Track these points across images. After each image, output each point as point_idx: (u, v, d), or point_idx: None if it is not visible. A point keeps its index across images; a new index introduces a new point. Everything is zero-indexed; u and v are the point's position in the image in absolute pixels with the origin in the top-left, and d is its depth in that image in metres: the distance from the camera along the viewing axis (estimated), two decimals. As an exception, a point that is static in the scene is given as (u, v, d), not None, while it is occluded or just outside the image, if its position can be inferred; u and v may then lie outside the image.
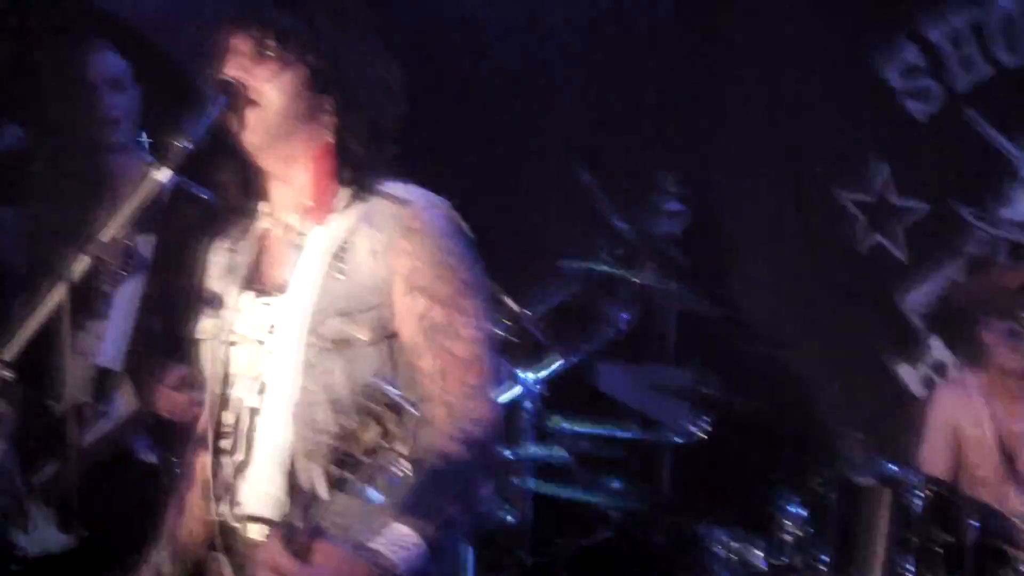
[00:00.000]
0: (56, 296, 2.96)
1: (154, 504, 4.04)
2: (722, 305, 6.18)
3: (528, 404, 5.47)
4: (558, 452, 5.57)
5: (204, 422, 3.25)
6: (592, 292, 5.93)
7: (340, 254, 3.01)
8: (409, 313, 2.97)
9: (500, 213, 6.97)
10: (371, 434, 2.49)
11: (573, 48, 7.05)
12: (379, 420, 2.48)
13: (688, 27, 6.90)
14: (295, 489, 2.82)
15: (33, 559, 4.30)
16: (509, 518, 5.34)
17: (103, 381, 4.36)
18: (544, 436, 5.67)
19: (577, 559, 5.72)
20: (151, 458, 4.44)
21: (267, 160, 3.09)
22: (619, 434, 6.02)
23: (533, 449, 5.47)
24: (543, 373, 5.53)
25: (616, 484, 5.63)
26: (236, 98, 3.00)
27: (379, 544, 2.74)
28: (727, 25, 6.86)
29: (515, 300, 5.50)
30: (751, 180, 6.85)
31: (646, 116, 6.99)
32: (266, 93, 3.00)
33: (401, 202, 3.03)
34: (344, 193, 3.07)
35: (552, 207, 6.94)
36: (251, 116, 3.01)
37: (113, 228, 2.97)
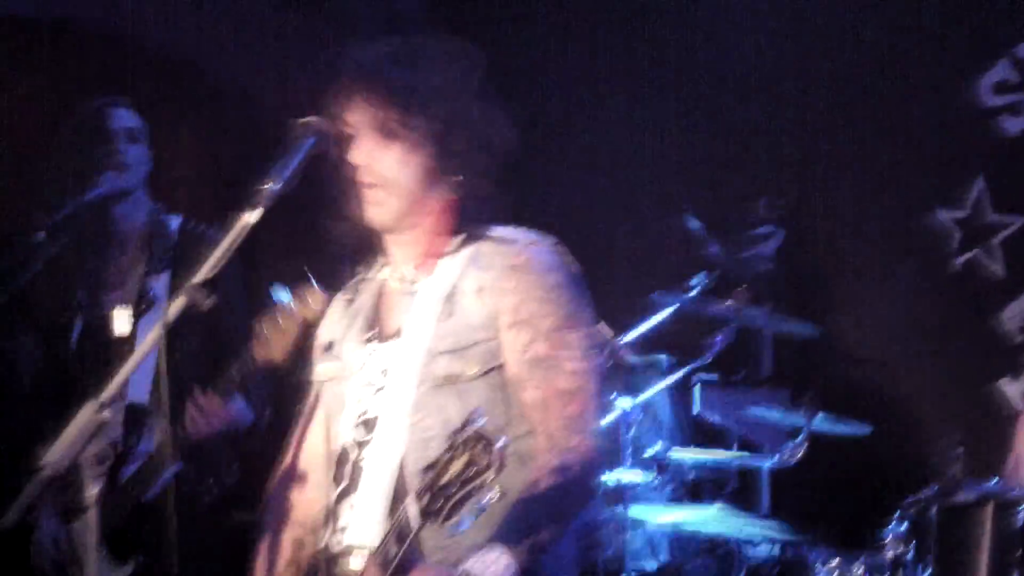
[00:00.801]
0: (154, 336, 3.01)
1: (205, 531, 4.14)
2: (817, 326, 6.14)
3: (625, 430, 5.48)
4: (657, 477, 5.57)
5: (299, 460, 3.37)
6: (687, 317, 5.92)
7: (450, 297, 3.11)
8: (513, 347, 3.05)
9: (596, 241, 7.02)
10: (459, 465, 2.54)
11: (666, 74, 7.09)
12: (468, 451, 2.53)
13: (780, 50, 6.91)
14: (392, 518, 2.87)
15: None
16: (609, 549, 5.34)
17: (133, 418, 4.45)
18: (642, 462, 5.66)
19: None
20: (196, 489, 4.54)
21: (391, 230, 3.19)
22: (720, 460, 6.01)
23: (631, 475, 5.47)
24: (640, 399, 5.55)
25: (716, 507, 5.59)
26: (324, 143, 3.08)
27: (471, 565, 2.78)
28: (820, 46, 6.86)
29: (611, 327, 5.52)
30: (845, 200, 6.82)
31: (739, 140, 6.99)
32: (392, 177, 3.10)
33: (506, 242, 3.14)
34: (455, 240, 3.17)
35: (646, 233, 6.97)
36: (375, 198, 3.11)
37: (205, 270, 3.02)
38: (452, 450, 2.57)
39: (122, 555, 4.33)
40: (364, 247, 3.29)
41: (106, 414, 2.92)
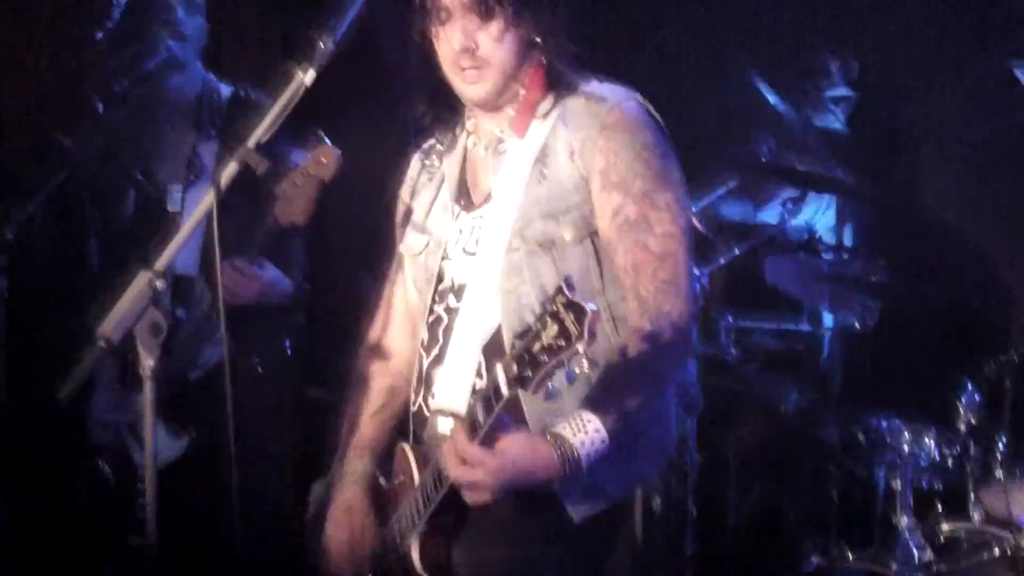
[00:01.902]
0: (207, 202, 2.97)
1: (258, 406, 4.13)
2: (890, 191, 6.02)
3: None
4: (728, 348, 5.50)
5: (383, 327, 3.41)
6: (757, 181, 5.82)
7: (541, 159, 3.06)
8: (605, 209, 3.00)
9: (664, 104, 6.90)
10: (551, 333, 2.49)
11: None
12: (559, 320, 2.48)
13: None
14: (482, 384, 2.87)
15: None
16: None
17: (181, 289, 4.43)
18: (712, 332, 5.60)
19: (746, 453, 5.65)
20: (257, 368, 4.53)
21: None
22: (788, 327, 5.94)
23: (704, 345, 5.40)
24: (709, 267, 5.46)
25: (787, 378, 5.53)
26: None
27: (561, 428, 2.77)
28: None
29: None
30: (919, 60, 6.64)
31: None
32: (492, 56, 3.04)
33: (596, 99, 3.07)
34: (545, 103, 3.11)
35: (716, 94, 6.83)
36: (476, 78, 3.06)
37: (260, 132, 2.96)
38: (543, 318, 2.51)
39: (178, 429, 4.33)
40: (446, 117, 3.26)
41: (159, 283, 2.91)
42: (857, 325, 5.63)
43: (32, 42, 6.22)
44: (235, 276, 4.12)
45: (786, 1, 6.81)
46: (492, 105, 3.14)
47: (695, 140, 6.54)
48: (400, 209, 3.38)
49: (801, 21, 6.80)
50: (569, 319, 2.47)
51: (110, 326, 2.92)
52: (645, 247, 2.95)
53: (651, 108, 3.11)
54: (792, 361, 6.07)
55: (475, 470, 2.74)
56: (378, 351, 3.39)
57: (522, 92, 3.11)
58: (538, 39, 3.07)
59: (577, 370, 2.51)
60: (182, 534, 3.37)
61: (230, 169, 2.96)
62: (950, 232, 6.51)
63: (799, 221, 5.84)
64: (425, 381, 3.15)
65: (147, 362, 2.99)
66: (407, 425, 3.25)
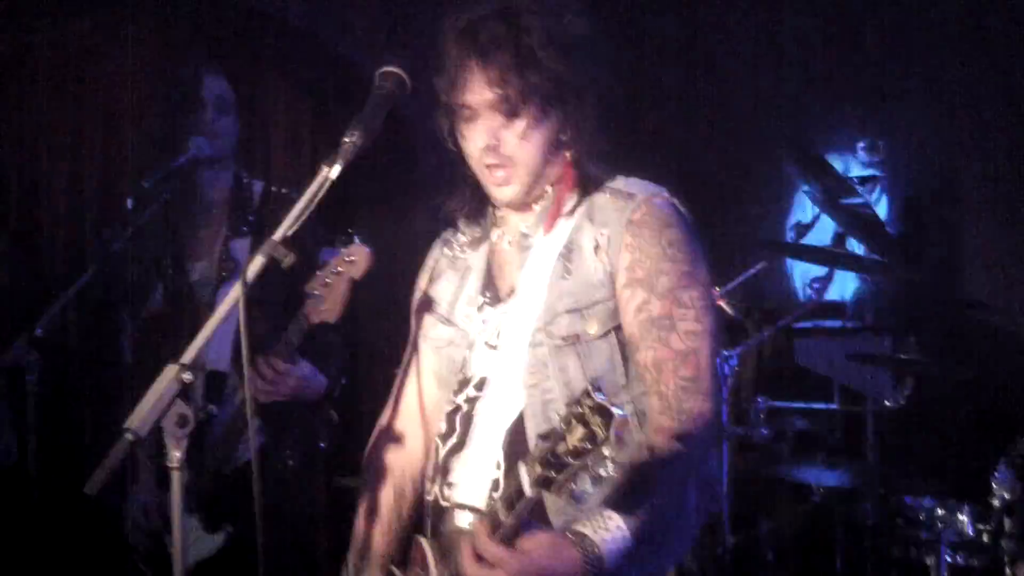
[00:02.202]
0: (234, 296, 2.99)
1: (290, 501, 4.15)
2: (920, 270, 6.02)
3: (725, 382, 5.40)
4: (759, 430, 5.49)
5: (398, 418, 3.38)
6: (782, 264, 5.85)
7: (567, 254, 3.06)
8: (628, 305, 2.98)
9: (693, 192, 6.94)
10: (577, 436, 2.48)
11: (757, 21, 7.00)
12: (585, 423, 2.47)
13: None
14: (506, 483, 2.84)
15: (191, 569, 4.35)
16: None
17: (214, 385, 4.47)
18: (743, 414, 5.60)
19: (781, 537, 5.63)
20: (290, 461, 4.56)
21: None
22: (820, 407, 5.93)
23: (734, 428, 5.40)
24: (738, 349, 5.47)
25: (820, 458, 5.50)
26: (402, 89, 3.01)
27: (585, 528, 2.74)
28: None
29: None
30: (947, 139, 6.67)
31: (842, 80, 6.87)
32: (519, 154, 3.05)
33: (623, 196, 3.06)
34: (571, 200, 3.11)
35: (743, 179, 6.88)
36: (502, 178, 3.07)
37: (286, 226, 2.98)
38: (569, 420, 2.48)
39: (214, 525, 4.36)
40: (476, 212, 3.27)
41: (187, 376, 2.91)
42: (888, 403, 5.61)
43: (75, 143, 6.36)
44: (268, 373, 4.13)
45: (813, 87, 6.87)
46: (521, 204, 3.14)
47: (725, 225, 6.73)
48: (417, 296, 3.39)
49: (830, 104, 6.86)
50: (596, 422, 2.43)
51: (137, 419, 2.92)
52: (667, 344, 2.93)
53: (679, 203, 3.08)
54: (824, 441, 6.06)
55: (495, 571, 2.69)
56: (387, 442, 3.37)
57: (550, 190, 3.12)
58: (565, 138, 3.07)
59: (603, 473, 2.48)
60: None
61: (256, 263, 2.97)
62: (978, 309, 6.50)
63: (828, 298, 5.82)
64: (442, 471, 3.13)
65: (174, 454, 2.99)
66: (423, 515, 3.23)
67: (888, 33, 6.79)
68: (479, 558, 2.71)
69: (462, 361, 3.19)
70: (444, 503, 3.12)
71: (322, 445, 4.77)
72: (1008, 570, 4.83)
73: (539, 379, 3.00)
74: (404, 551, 3.26)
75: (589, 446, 2.45)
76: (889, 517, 5.36)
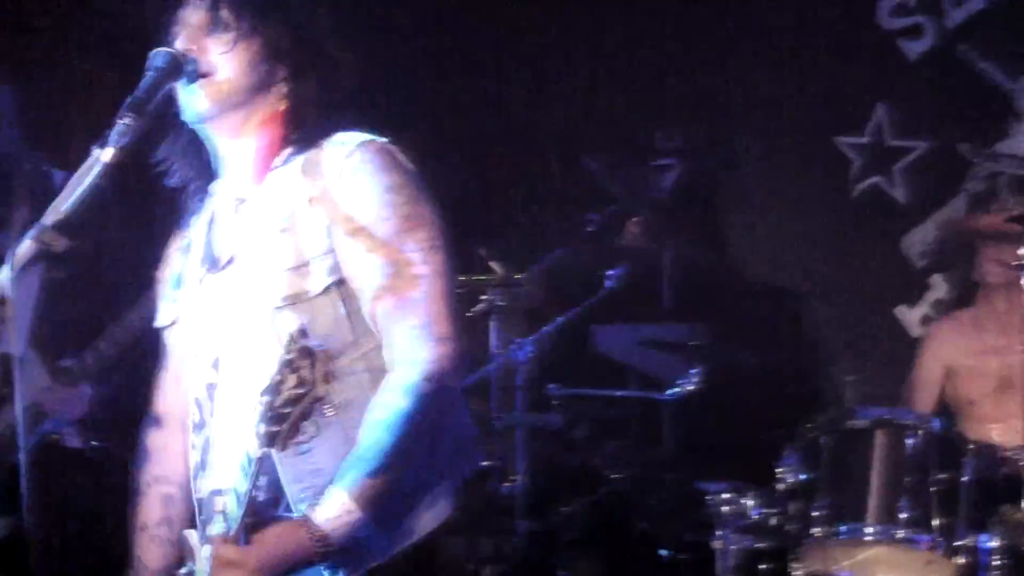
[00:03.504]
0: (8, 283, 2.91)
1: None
2: (716, 258, 6.12)
3: (521, 369, 5.42)
4: (553, 417, 5.51)
5: (158, 411, 3.28)
6: (584, 252, 5.88)
7: (282, 210, 2.96)
8: (353, 256, 2.89)
9: (493, 177, 6.98)
10: (290, 384, 2.47)
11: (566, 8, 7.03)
12: (295, 369, 2.46)
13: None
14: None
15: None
16: (506, 488, 5.32)
17: (5, 369, 4.37)
18: (540, 401, 5.61)
19: (576, 523, 5.66)
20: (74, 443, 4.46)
21: (217, 132, 3.03)
22: (617, 394, 5.98)
23: (528, 415, 5.41)
24: (535, 337, 5.48)
25: (615, 445, 5.55)
26: (176, 69, 2.92)
27: (312, 509, 2.72)
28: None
29: (506, 264, 5.47)
30: (744, 129, 6.79)
31: (639, 71, 6.93)
32: (219, 66, 2.95)
33: (336, 145, 2.96)
34: (284, 152, 3.02)
35: (543, 170, 6.92)
36: (203, 87, 2.95)
37: (56, 211, 2.90)
38: (282, 370, 2.49)
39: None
40: (197, 179, 3.13)
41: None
42: (680, 390, 5.68)
43: None
44: (50, 403, 4.08)
45: (613, 78, 6.93)
46: (224, 131, 3.01)
47: (526, 214, 6.77)
48: (158, 290, 3.26)
49: (630, 97, 6.92)
50: (304, 365, 2.45)
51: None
52: (396, 292, 2.86)
53: (396, 152, 2.99)
54: (621, 428, 6.11)
55: (234, 570, 2.68)
56: (151, 452, 3.27)
57: (257, 134, 3.02)
58: (280, 73, 3.00)
59: (324, 417, 2.53)
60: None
61: (25, 247, 2.90)
62: (769, 298, 6.63)
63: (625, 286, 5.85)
64: (202, 465, 3.05)
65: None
66: (194, 510, 3.13)
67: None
68: (223, 564, 2.70)
69: (193, 339, 3.09)
70: (204, 493, 3.04)
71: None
72: (794, 553, 4.92)
73: (265, 344, 2.89)
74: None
75: (302, 391, 2.46)
76: (682, 502, 5.44)
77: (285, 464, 2.81)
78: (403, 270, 2.87)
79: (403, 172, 2.95)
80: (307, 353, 2.46)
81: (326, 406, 2.50)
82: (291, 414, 2.48)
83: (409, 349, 2.84)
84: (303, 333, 2.48)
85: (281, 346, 2.84)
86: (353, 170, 2.92)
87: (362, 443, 2.76)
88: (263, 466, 2.61)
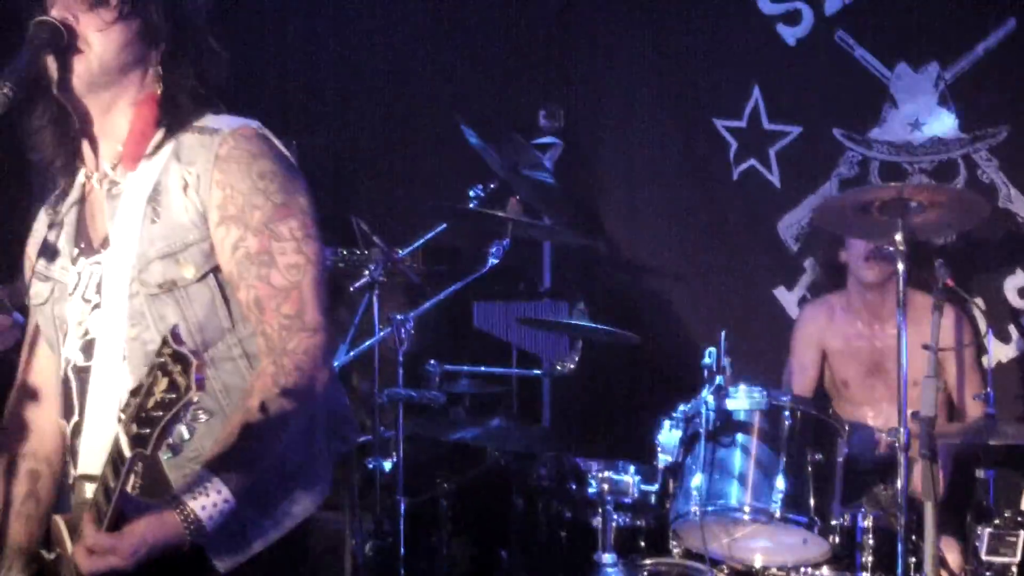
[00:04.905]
0: None
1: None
2: (596, 237, 6.15)
3: (400, 345, 5.41)
4: (433, 393, 5.51)
5: (26, 387, 3.22)
6: (464, 229, 5.88)
7: (155, 196, 2.93)
8: (224, 244, 2.89)
9: (372, 152, 6.95)
10: (162, 387, 2.43)
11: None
12: (167, 372, 2.43)
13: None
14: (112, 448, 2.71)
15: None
16: (386, 464, 5.31)
17: None
18: (419, 377, 5.61)
19: (456, 497, 5.68)
20: None
21: (85, 108, 2.99)
22: (496, 371, 5.99)
23: (407, 391, 5.40)
24: (415, 312, 5.47)
25: (495, 422, 5.56)
26: (58, 41, 2.88)
27: (187, 497, 2.71)
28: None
29: (386, 239, 5.45)
30: (626, 110, 6.83)
31: (520, 48, 6.94)
32: (93, 41, 2.91)
33: (209, 131, 2.95)
34: (156, 136, 2.98)
35: (423, 144, 6.91)
36: (73, 61, 2.90)
37: None
38: (153, 372, 2.44)
39: None
40: (67, 147, 3.08)
41: None
42: (559, 368, 5.72)
43: None
44: None
45: (496, 54, 6.93)
46: (93, 108, 2.98)
47: (401, 189, 6.75)
48: (27, 266, 3.20)
49: (513, 73, 6.93)
50: (176, 370, 2.42)
51: None
52: (268, 281, 2.87)
53: (270, 135, 3.00)
54: (500, 405, 6.14)
55: (107, 558, 2.65)
56: (14, 426, 3.21)
57: (128, 115, 2.99)
58: (152, 53, 2.98)
59: (196, 423, 2.50)
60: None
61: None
62: (646, 277, 6.70)
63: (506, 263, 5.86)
64: (71, 451, 3.02)
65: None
66: (64, 492, 3.12)
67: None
68: (91, 551, 2.66)
69: (66, 320, 3.05)
70: (72, 478, 3.02)
71: None
72: (671, 530, 4.99)
73: (139, 331, 2.90)
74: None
75: (174, 396, 2.42)
76: (561, 479, 5.48)
77: (170, 463, 2.82)
78: (275, 259, 2.88)
79: (275, 159, 2.96)
80: (180, 358, 2.42)
81: (199, 412, 2.47)
82: (162, 417, 2.44)
83: (281, 338, 2.85)
84: (176, 337, 2.44)
85: (156, 332, 2.85)
86: (225, 157, 2.91)
87: (235, 430, 2.76)
88: (133, 464, 2.58)
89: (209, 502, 2.71)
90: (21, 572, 3.13)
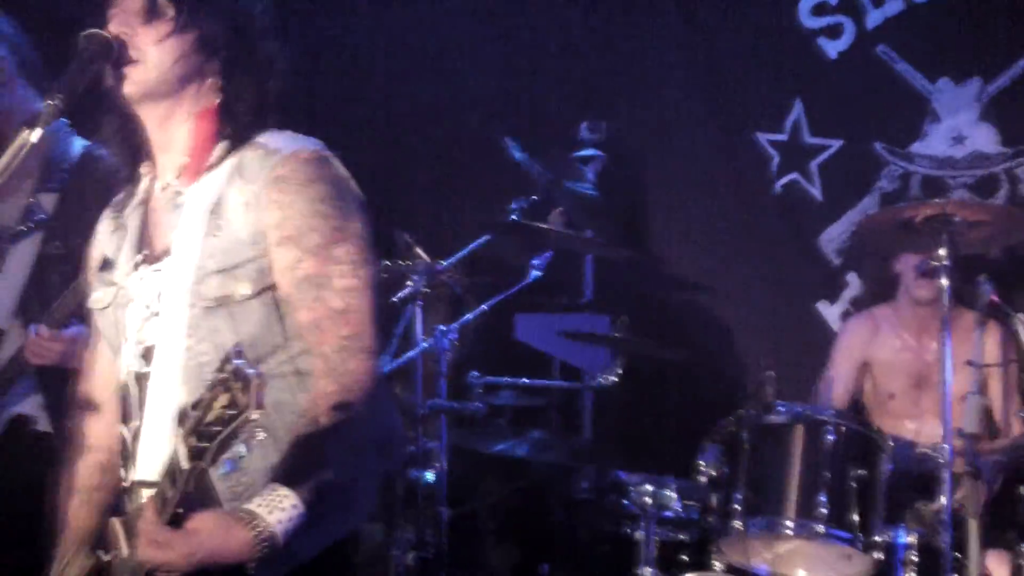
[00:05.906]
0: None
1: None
2: (638, 250, 6.15)
3: (443, 356, 5.43)
4: (475, 404, 5.52)
5: (89, 388, 3.26)
6: (506, 241, 5.89)
7: (216, 210, 2.94)
8: (282, 265, 2.90)
9: (415, 165, 6.97)
10: (222, 403, 2.45)
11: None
12: (228, 389, 2.44)
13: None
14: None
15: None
16: (428, 475, 5.33)
17: None
18: (461, 389, 5.63)
19: (497, 510, 5.70)
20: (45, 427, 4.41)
21: (146, 118, 3.03)
22: (537, 383, 6.01)
23: (450, 402, 5.43)
24: (458, 324, 5.50)
25: (536, 434, 5.57)
26: (117, 55, 2.92)
27: (256, 506, 2.72)
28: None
29: (429, 251, 5.47)
30: (665, 123, 6.84)
31: (563, 63, 6.96)
32: (150, 53, 2.94)
33: (270, 151, 2.96)
34: (219, 148, 3.01)
35: (466, 157, 6.92)
36: (129, 73, 2.94)
37: None
38: (214, 387, 2.46)
39: None
40: (131, 154, 3.12)
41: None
42: (602, 381, 5.73)
43: None
44: (33, 347, 4.05)
45: (540, 67, 6.95)
46: (154, 119, 3.02)
47: (445, 201, 6.77)
48: (90, 269, 3.24)
49: (555, 86, 6.95)
50: (237, 387, 2.43)
51: None
52: (325, 303, 2.88)
53: (331, 156, 3.00)
54: (541, 417, 6.15)
55: (165, 551, 2.66)
56: (84, 414, 3.25)
57: (190, 126, 3.02)
58: (211, 68, 3.00)
59: (254, 439, 2.52)
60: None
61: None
62: (687, 291, 6.70)
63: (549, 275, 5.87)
64: (131, 455, 3.04)
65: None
66: (118, 497, 3.14)
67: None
68: (150, 541, 2.67)
69: (126, 325, 3.07)
70: (130, 482, 3.04)
71: None
72: (714, 545, 4.99)
73: (193, 343, 2.91)
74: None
75: (234, 412, 2.44)
76: (602, 492, 5.49)
77: (218, 477, 2.82)
78: (332, 281, 2.90)
79: (334, 182, 2.96)
80: (241, 375, 2.44)
81: (257, 430, 2.49)
82: (220, 432, 2.46)
83: (341, 359, 2.87)
84: (239, 353, 2.46)
85: (209, 345, 2.88)
86: (284, 179, 2.92)
87: (300, 447, 2.78)
88: (191, 476, 2.60)
89: (286, 516, 2.72)
90: (78, 571, 3.15)
